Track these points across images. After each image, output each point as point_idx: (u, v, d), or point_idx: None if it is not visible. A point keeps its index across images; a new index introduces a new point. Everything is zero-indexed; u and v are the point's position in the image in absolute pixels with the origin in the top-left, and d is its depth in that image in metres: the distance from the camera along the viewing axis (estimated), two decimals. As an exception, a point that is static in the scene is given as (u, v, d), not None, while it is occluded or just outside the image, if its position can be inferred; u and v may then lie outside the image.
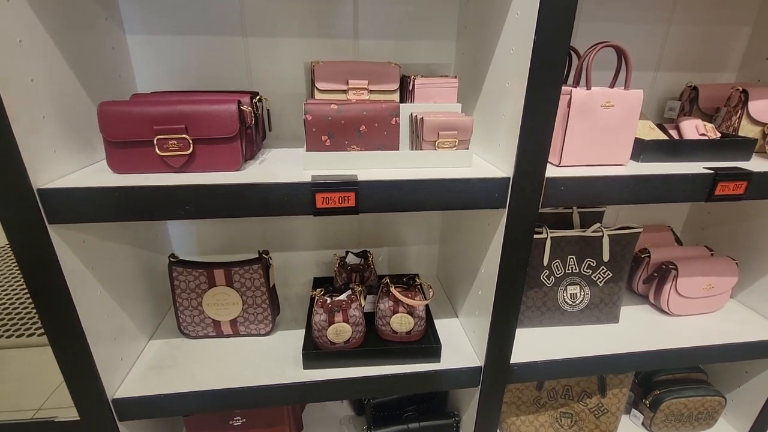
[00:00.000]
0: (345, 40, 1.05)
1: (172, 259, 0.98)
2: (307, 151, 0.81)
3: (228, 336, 1.06)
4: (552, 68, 0.70)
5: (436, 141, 0.82)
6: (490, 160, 0.88)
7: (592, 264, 1.09)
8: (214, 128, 0.76)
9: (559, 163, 0.86)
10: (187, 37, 1.01)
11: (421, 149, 0.84)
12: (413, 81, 0.89)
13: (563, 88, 0.78)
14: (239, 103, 0.78)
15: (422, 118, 0.81)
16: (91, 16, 0.85)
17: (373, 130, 0.81)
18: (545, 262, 1.06)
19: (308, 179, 0.74)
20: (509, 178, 0.78)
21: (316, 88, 0.89)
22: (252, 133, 0.87)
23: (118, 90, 0.95)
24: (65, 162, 0.76)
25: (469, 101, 0.98)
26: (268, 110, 1.01)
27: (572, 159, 0.86)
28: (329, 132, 0.80)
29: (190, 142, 0.76)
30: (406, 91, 0.94)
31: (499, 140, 0.83)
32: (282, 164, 0.86)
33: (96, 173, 0.78)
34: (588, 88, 0.82)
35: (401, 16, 1.05)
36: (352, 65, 0.89)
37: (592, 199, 0.83)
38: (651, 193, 0.85)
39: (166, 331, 1.08)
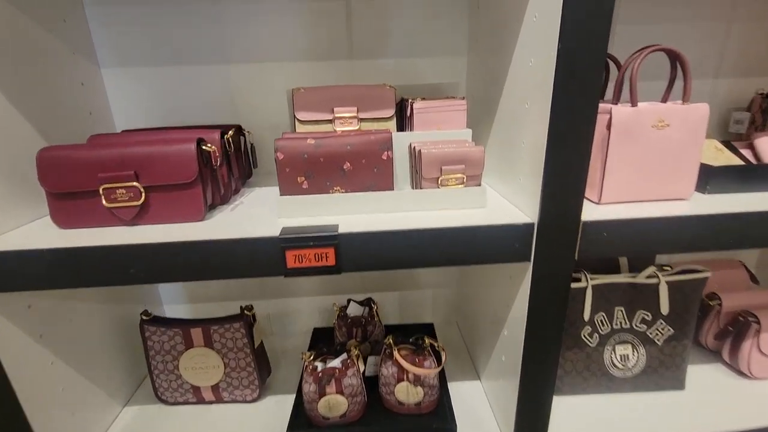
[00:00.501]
0: (339, 61, 0.93)
1: (143, 317, 0.86)
2: (281, 195, 0.67)
3: (210, 402, 0.92)
4: (584, 81, 0.53)
5: (438, 178, 0.66)
6: (511, 197, 0.71)
7: (647, 318, 0.87)
8: (168, 173, 0.64)
9: (600, 199, 0.68)
10: (167, 68, 0.92)
11: (421, 188, 0.68)
12: (411, 105, 0.74)
13: (600, 105, 0.61)
14: (200, 141, 0.65)
15: (420, 150, 0.65)
16: (51, 51, 0.76)
17: (361, 168, 0.66)
18: (586, 317, 0.86)
19: (277, 233, 0.60)
20: (533, 223, 0.61)
21: (297, 119, 0.76)
22: (224, 174, 0.75)
23: (91, 129, 0.86)
24: (6, 217, 0.66)
25: (483, 126, 0.82)
26: (251, 144, 0.89)
27: (616, 194, 0.67)
28: (306, 172, 0.66)
29: (141, 190, 0.64)
30: (405, 118, 0.79)
31: (520, 174, 0.66)
32: (258, 209, 0.73)
33: (40, 229, 0.67)
34: (633, 104, 0.64)
35: (402, 31, 0.91)
36: (338, 90, 0.76)
37: (645, 247, 0.64)
38: (725, 237, 0.65)
39: (143, 395, 0.96)
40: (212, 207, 0.73)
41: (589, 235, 0.62)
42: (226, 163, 0.76)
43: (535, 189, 0.60)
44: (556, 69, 0.52)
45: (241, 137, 0.87)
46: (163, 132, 0.78)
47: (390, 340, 0.86)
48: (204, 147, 0.66)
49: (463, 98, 0.75)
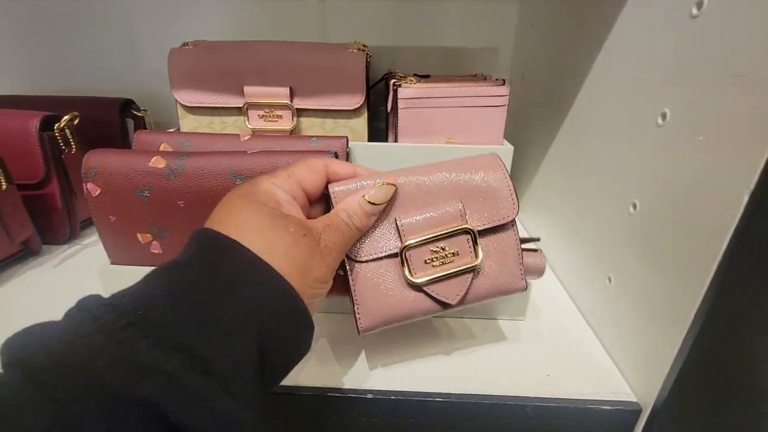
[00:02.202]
0: (300, 1, 0.56)
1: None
2: (111, 263, 0.34)
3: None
4: None
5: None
6: (578, 296, 0.35)
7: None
8: None
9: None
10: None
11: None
12: (394, 89, 0.37)
13: None
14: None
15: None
16: None
17: (267, 224, 0.31)
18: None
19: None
20: (640, 408, 0.25)
21: (179, 103, 0.40)
22: (54, 194, 0.42)
23: None
24: None
25: (533, 131, 0.44)
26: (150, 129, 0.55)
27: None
28: (153, 225, 0.31)
29: None
30: (388, 113, 0.42)
31: (612, 267, 0.30)
32: (84, 269, 0.40)
33: None
34: None
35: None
36: (256, 51, 0.39)
37: None
38: None
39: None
40: (19, 256, 0.40)
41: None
42: (59, 174, 0.42)
43: (661, 323, 0.24)
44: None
45: (127, 120, 0.54)
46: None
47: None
48: (-34, 154, 0.33)
49: (504, 82, 0.37)
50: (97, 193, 0.31)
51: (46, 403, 0.13)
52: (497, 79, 0.38)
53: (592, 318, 0.32)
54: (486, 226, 0.26)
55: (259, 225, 0.20)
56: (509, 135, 0.42)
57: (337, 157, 0.32)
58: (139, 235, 0.32)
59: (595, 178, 0.33)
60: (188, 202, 0.31)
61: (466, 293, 0.25)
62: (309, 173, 0.24)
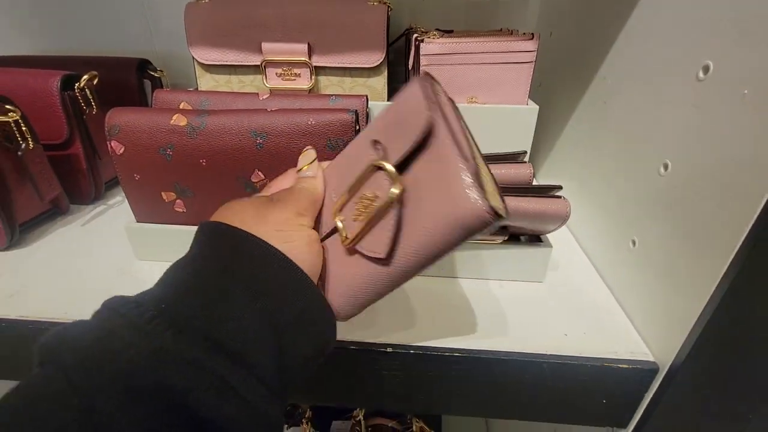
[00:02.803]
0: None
1: None
2: (137, 221, 0.35)
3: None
4: None
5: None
6: (597, 255, 0.35)
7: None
8: None
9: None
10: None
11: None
12: (416, 44, 0.36)
13: None
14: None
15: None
16: None
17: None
18: None
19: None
20: (656, 367, 0.26)
21: (195, 60, 0.39)
22: (78, 153, 0.42)
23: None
24: None
25: (574, 89, 0.43)
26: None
27: None
28: (177, 183, 0.32)
29: None
30: (408, 70, 0.40)
31: (636, 230, 0.29)
32: (112, 228, 0.41)
33: None
34: None
35: None
36: (276, 3, 0.37)
37: None
38: None
39: None
40: (48, 215, 0.42)
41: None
42: (82, 135, 0.43)
43: (685, 286, 0.24)
44: None
45: (144, 81, 0.53)
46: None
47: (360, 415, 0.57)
48: (-7, 113, 0.33)
49: (533, 36, 0.35)
50: (121, 151, 0.31)
51: (72, 396, 0.14)
52: (524, 34, 0.36)
53: (612, 279, 0.32)
54: (405, 150, 0.20)
55: (234, 210, 0.22)
56: (531, 97, 0.41)
57: (357, 116, 0.32)
58: (163, 193, 0.33)
59: (623, 138, 0.31)
60: (210, 160, 0.31)
61: (395, 238, 0.20)
62: (284, 181, 0.25)
